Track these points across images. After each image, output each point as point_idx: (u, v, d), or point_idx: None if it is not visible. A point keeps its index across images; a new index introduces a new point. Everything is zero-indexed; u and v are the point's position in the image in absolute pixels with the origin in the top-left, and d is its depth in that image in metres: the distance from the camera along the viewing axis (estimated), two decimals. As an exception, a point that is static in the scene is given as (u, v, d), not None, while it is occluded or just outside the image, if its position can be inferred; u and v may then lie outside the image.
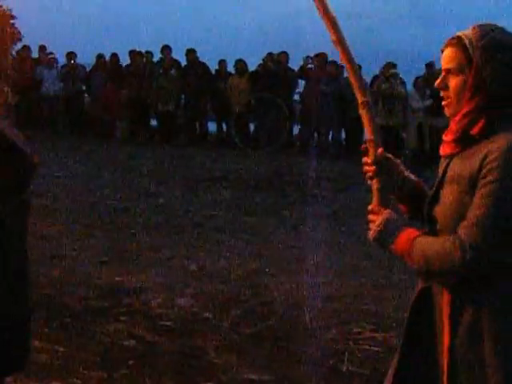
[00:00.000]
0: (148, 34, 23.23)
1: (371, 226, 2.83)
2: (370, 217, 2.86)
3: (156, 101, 18.44)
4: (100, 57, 19.89)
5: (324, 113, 17.16)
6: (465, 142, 2.68)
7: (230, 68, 18.81)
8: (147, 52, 19.38)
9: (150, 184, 12.56)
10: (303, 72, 18.09)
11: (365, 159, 2.90)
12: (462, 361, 2.68)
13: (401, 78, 16.98)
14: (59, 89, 19.39)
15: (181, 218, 10.12)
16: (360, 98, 2.89)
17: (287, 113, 17.52)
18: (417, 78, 17.20)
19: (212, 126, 19.40)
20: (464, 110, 2.67)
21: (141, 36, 22.16)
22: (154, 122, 19.55)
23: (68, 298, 6.58)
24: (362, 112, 2.90)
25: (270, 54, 18.23)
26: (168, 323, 6.08)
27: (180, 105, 18.95)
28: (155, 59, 19.29)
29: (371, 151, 2.89)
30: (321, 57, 17.63)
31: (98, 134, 18.70)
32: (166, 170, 14.12)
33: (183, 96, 18.89)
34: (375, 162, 2.87)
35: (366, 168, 2.90)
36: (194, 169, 14.41)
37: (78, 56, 20.08)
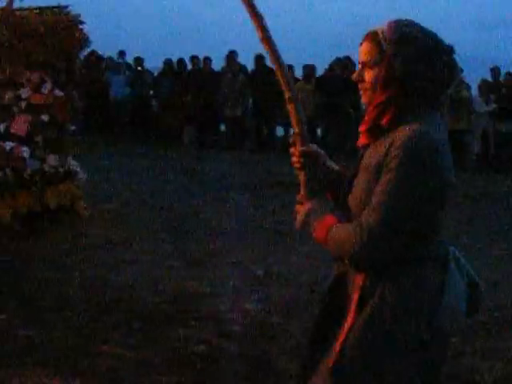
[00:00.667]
0: (215, 39, 23.41)
1: (297, 216, 2.96)
2: (297, 207, 3.01)
3: (224, 106, 18.58)
4: (167, 62, 20.11)
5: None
6: (376, 132, 2.77)
7: (297, 73, 18.89)
8: (206, 58, 19.52)
9: (217, 189, 12.61)
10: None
11: (292, 150, 3.05)
12: (355, 346, 2.72)
13: (466, 83, 16.80)
14: (127, 94, 19.66)
15: (248, 222, 10.13)
16: (287, 94, 3.00)
17: (354, 117, 17.49)
18: (481, 83, 17.01)
19: (279, 131, 19.48)
20: (375, 102, 2.76)
21: (208, 41, 22.33)
22: (222, 127, 19.64)
23: (137, 302, 6.63)
24: (289, 107, 3.02)
25: (337, 59, 18.25)
26: (236, 328, 6.09)
27: (248, 110, 19.03)
28: (221, 65, 19.43)
29: (298, 144, 3.03)
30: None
31: (166, 138, 18.87)
32: (234, 175, 14.16)
33: (251, 101, 18.97)
34: (301, 155, 3.01)
35: (294, 159, 3.03)
36: (261, 174, 14.44)
37: (146, 61, 20.35)
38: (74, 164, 9.71)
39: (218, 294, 6.93)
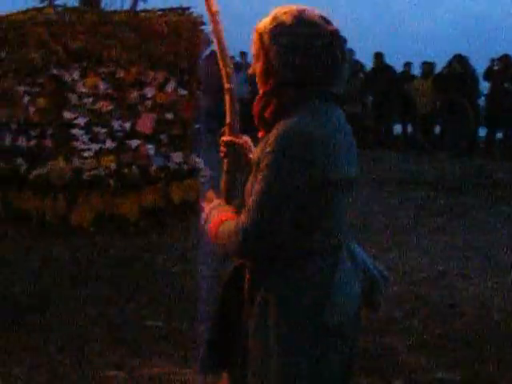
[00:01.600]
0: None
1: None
2: (203, 204, 2.90)
3: (343, 103, 18.64)
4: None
5: (510, 114, 16.88)
6: (263, 126, 2.74)
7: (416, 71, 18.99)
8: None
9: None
10: (489, 74, 17.82)
11: (221, 140, 2.97)
12: (251, 339, 2.67)
13: None
14: (247, 91, 19.89)
15: (368, 218, 10.17)
16: (226, 85, 2.97)
17: (472, 115, 17.29)
18: None
19: (398, 128, 19.40)
20: (259, 95, 2.74)
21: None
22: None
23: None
24: (226, 98, 2.98)
25: (456, 56, 18.05)
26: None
27: (367, 107, 19.03)
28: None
29: (227, 134, 2.98)
30: (505, 59, 17.44)
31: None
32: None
33: (370, 98, 18.98)
34: (225, 144, 2.95)
35: (221, 148, 2.97)
36: (380, 170, 14.41)
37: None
38: (197, 161, 9.96)
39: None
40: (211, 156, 11.29)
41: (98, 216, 8.90)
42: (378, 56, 18.74)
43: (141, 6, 10.15)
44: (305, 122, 2.56)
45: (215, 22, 2.97)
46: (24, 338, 5.69)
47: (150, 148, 9.39)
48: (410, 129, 19.36)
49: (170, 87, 9.64)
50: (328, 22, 2.66)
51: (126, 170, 9.15)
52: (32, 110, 9.48)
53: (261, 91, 2.77)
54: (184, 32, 9.60)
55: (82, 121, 9.15)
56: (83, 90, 9.19)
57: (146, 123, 9.44)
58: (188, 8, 9.94)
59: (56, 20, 9.40)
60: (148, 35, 9.40)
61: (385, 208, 11.00)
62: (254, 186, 2.61)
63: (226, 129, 3.01)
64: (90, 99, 9.20)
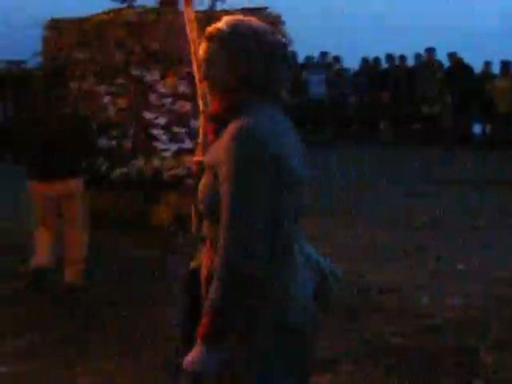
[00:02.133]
0: (407, 38, 23.18)
1: None
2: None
3: (421, 103, 18.48)
4: (364, 60, 20.24)
5: None
6: (215, 127, 2.80)
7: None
8: (401, 56, 19.46)
9: (413, 184, 12.60)
10: None
11: (193, 160, 3.04)
12: None
13: None
14: (325, 92, 19.86)
15: (447, 217, 10.07)
16: (201, 107, 3.09)
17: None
18: None
19: (477, 128, 19.17)
20: (212, 98, 2.84)
21: (400, 39, 22.19)
22: (417, 124, 19.53)
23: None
24: (201, 118, 3.08)
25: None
26: (437, 322, 6.10)
27: (446, 107, 18.81)
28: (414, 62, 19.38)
29: (198, 153, 3.02)
30: None
31: (363, 136, 19.02)
32: (431, 172, 14.04)
33: (449, 98, 18.75)
34: (195, 162, 2.98)
35: (193, 167, 3.02)
36: (459, 171, 14.26)
37: (344, 60, 20.52)
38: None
39: (418, 288, 6.96)
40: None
41: (176, 215, 8.96)
42: (453, 56, 18.52)
43: (219, 5, 10.20)
44: (255, 123, 2.63)
45: (192, 30, 3.25)
46: (113, 337, 5.87)
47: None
48: (488, 129, 19.19)
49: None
50: (269, 31, 2.79)
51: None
52: (112, 110, 9.62)
53: (213, 95, 2.84)
54: (262, 32, 9.59)
55: (161, 121, 9.24)
56: (163, 91, 9.27)
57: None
58: (266, 7, 9.95)
59: (135, 21, 9.51)
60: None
61: (464, 208, 10.88)
62: (209, 189, 2.67)
63: (197, 147, 3.10)
64: (170, 99, 9.28)
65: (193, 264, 2.93)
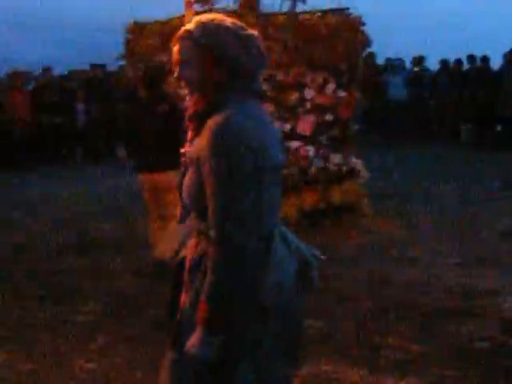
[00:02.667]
0: (490, 39, 22.82)
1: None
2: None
3: (504, 105, 18.19)
4: (444, 62, 20.04)
5: None
6: (196, 123, 2.92)
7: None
8: (484, 57, 19.13)
9: (493, 188, 12.44)
10: None
11: (181, 151, 3.07)
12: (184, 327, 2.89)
13: None
14: (404, 94, 19.74)
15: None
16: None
17: None
18: None
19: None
20: (192, 95, 2.97)
21: (482, 41, 21.85)
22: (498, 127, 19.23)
23: (420, 298, 6.72)
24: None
25: None
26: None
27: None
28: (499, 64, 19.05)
29: (187, 145, 3.04)
30: None
31: (443, 138, 18.84)
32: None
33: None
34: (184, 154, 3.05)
35: (182, 159, 3.05)
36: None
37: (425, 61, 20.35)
38: (356, 162, 9.94)
39: (502, 292, 6.86)
40: (369, 157, 11.27)
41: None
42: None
43: (300, 7, 10.21)
44: (233, 117, 2.77)
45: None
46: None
47: (310, 149, 9.46)
48: None
49: (329, 89, 9.66)
50: (240, 26, 2.91)
51: (285, 172, 9.23)
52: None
53: (193, 94, 2.96)
54: (343, 33, 9.59)
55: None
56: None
57: (305, 125, 9.51)
58: (347, 8, 9.92)
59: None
60: (307, 37, 9.44)
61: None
62: (193, 183, 2.86)
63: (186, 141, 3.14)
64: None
65: (182, 253, 3.12)
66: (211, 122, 2.78)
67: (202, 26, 2.88)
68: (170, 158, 7.06)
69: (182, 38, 2.91)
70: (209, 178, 2.75)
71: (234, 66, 2.86)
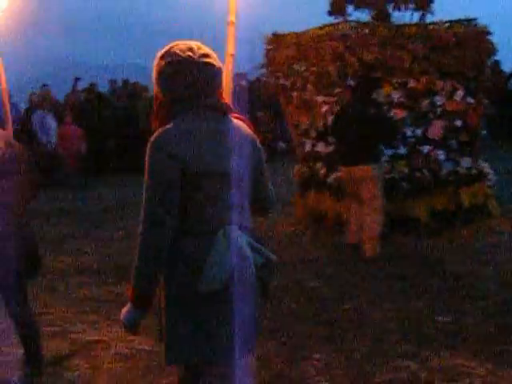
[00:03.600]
0: None
1: None
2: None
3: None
4: None
5: None
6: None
7: None
8: None
9: None
10: None
11: None
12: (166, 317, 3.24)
13: None
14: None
15: None
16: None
17: None
18: None
19: None
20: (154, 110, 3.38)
21: None
22: None
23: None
24: None
25: None
26: None
27: None
28: None
29: None
30: None
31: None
32: None
33: None
34: None
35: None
36: None
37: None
38: (484, 166, 10.02)
39: None
40: (496, 161, 11.25)
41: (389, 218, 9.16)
42: None
43: (429, 18, 10.34)
44: (163, 132, 3.17)
45: (229, 63, 3.82)
46: (322, 328, 6.14)
47: (440, 153, 9.56)
48: None
49: (458, 96, 9.74)
50: (194, 52, 3.22)
51: (417, 174, 9.40)
52: (330, 118, 9.99)
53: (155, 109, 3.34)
54: (470, 42, 9.65)
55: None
56: (379, 100, 9.49)
57: (436, 130, 9.62)
58: (474, 19, 9.98)
59: (350, 34, 9.77)
60: (436, 46, 9.56)
61: None
62: None
63: None
64: (385, 107, 9.50)
65: None
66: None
67: (162, 53, 3.28)
68: (365, 155, 8.31)
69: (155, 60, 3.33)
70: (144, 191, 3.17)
71: (176, 89, 3.22)
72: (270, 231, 9.94)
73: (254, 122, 13.96)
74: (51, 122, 16.29)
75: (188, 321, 3.19)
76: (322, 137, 10.24)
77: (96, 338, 6.07)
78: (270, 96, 12.32)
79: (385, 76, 9.54)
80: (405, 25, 9.93)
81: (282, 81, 10.72)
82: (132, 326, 3.24)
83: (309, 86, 10.35)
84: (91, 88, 19.23)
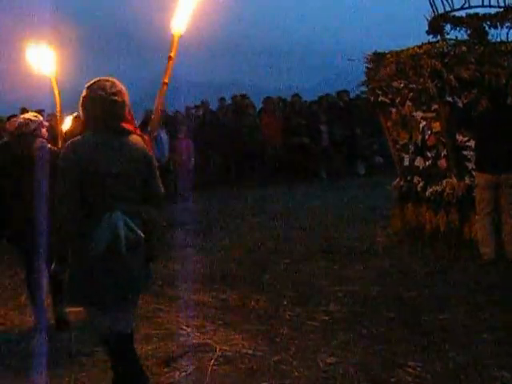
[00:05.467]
0: None
1: None
2: None
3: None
4: None
5: None
6: None
7: None
8: None
9: None
10: None
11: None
12: None
13: None
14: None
15: None
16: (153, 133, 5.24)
17: None
18: None
19: None
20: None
21: None
22: None
23: None
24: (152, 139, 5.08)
25: None
26: None
27: None
28: None
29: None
30: None
31: None
32: None
33: None
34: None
35: None
36: None
37: None
38: None
39: None
40: None
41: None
42: None
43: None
44: (73, 141, 4.30)
45: (162, 92, 5.08)
46: (418, 337, 6.08)
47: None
48: None
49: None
50: (106, 90, 4.31)
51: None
52: (428, 133, 9.87)
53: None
54: None
55: (472, 143, 9.30)
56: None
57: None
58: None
59: (448, 52, 9.65)
60: None
61: None
62: None
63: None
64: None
65: None
66: None
67: (85, 88, 4.35)
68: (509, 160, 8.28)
69: None
70: None
71: (91, 115, 4.35)
72: (369, 242, 9.97)
73: (352, 138, 14.18)
74: (164, 137, 16.57)
75: (82, 274, 4.26)
76: (420, 152, 10.15)
77: (202, 341, 6.17)
78: (370, 112, 12.25)
79: (482, 93, 9.35)
80: (501, 42, 9.74)
81: (381, 98, 10.67)
82: (58, 273, 4.39)
83: (407, 102, 10.27)
84: (203, 105, 19.56)
